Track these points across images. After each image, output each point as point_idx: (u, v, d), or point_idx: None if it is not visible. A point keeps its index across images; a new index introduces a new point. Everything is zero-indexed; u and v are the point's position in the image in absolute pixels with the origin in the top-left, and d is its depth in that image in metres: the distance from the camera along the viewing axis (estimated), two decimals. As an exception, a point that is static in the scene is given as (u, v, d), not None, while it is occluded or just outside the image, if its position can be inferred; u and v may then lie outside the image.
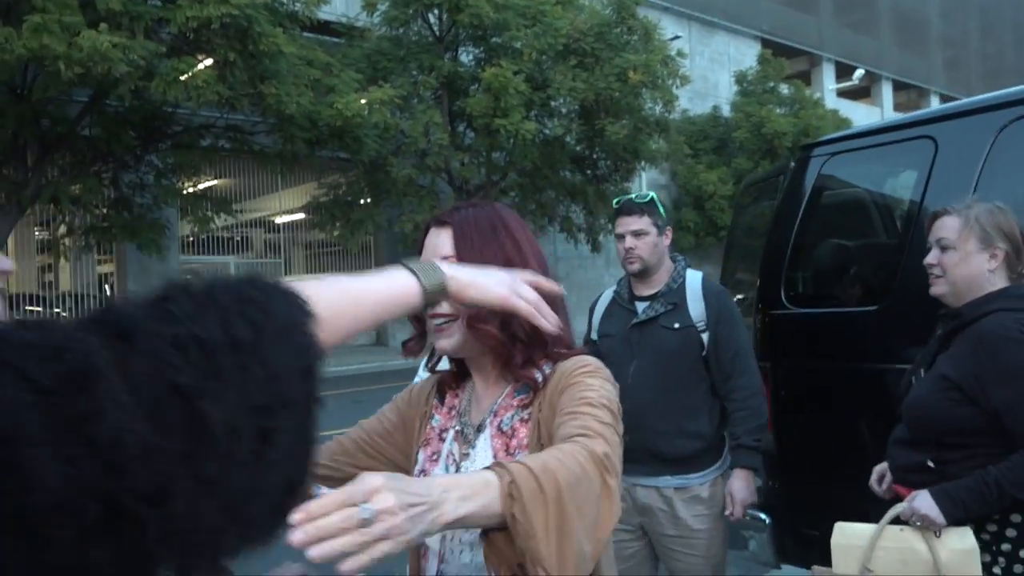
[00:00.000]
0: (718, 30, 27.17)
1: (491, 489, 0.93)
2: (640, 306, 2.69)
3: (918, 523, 1.89)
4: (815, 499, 2.98)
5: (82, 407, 0.54)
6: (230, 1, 10.00)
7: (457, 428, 1.32)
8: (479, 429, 1.29)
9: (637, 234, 2.63)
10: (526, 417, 1.25)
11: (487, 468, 0.97)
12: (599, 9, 16.29)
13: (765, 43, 27.99)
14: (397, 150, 14.89)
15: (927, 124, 2.79)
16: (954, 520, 1.88)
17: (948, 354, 2.03)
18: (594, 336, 2.86)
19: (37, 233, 15.32)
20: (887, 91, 34.31)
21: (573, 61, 15.25)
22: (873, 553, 1.92)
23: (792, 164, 3.24)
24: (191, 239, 16.40)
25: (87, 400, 0.54)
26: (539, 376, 1.24)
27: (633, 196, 2.72)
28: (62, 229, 13.15)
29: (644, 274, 2.67)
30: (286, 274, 18.43)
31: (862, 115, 31.08)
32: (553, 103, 15.99)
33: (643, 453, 2.55)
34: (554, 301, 1.20)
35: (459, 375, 1.37)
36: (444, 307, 1.20)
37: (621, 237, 2.66)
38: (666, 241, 2.69)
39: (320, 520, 0.75)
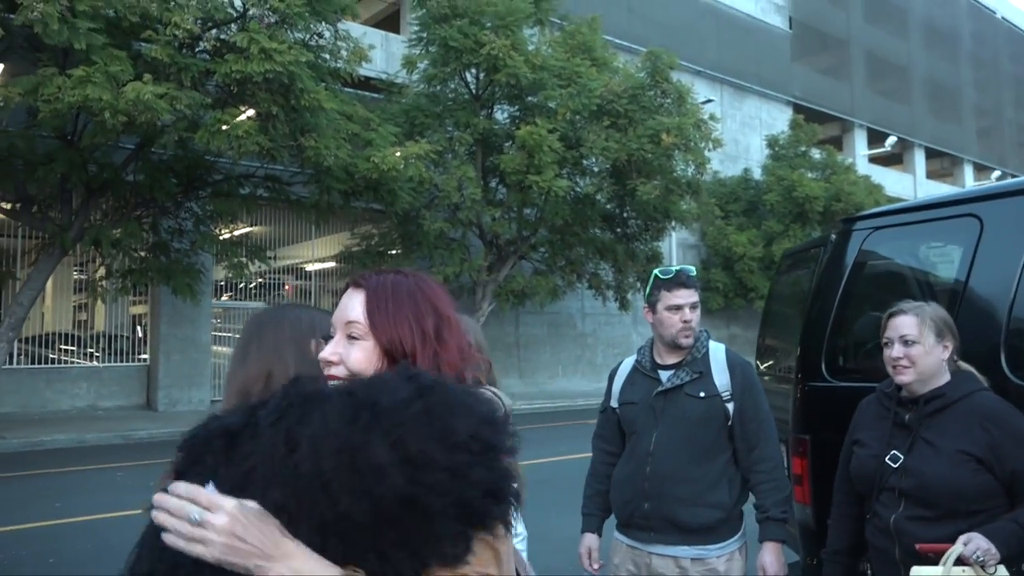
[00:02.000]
0: (750, 94, 27.44)
1: None
2: (664, 374, 2.70)
3: (980, 557, 2.02)
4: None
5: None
6: (274, 58, 10.32)
7: None
8: None
9: (695, 307, 2.67)
10: None
11: (347, 571, 0.97)
12: (633, 72, 16.56)
13: (797, 108, 28.19)
14: (430, 203, 15.10)
15: (973, 203, 2.78)
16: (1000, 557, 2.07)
17: (946, 432, 2.24)
18: (614, 404, 2.86)
19: (75, 274, 15.63)
20: (920, 158, 34.27)
21: (607, 122, 15.46)
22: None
23: (832, 236, 3.24)
24: (223, 283, 16.63)
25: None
26: None
27: (680, 268, 2.74)
28: (100, 271, 13.43)
29: (680, 346, 2.69)
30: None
31: (894, 181, 31.03)
32: (585, 162, 16.17)
33: (662, 521, 2.57)
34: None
35: None
36: (339, 369, 1.20)
37: (678, 308, 2.65)
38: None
39: (170, 497, 0.96)
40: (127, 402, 15.24)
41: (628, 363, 2.89)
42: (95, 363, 15.40)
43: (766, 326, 4.59)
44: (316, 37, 12.29)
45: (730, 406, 2.62)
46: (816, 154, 24.57)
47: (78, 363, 15.40)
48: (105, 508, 7.23)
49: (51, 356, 15.15)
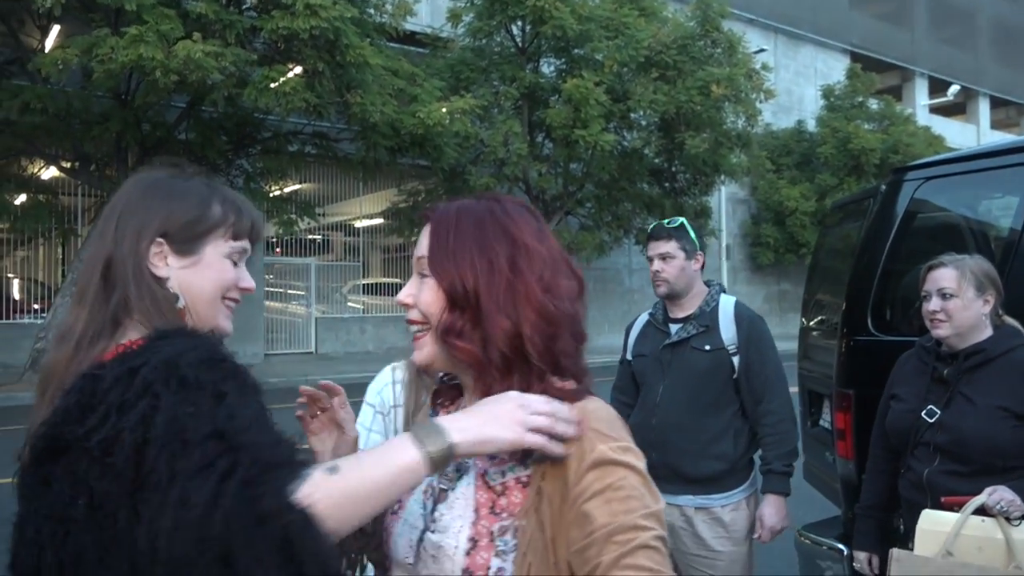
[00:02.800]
0: (805, 43, 26.55)
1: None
2: (673, 328, 2.75)
3: (1004, 508, 2.00)
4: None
5: None
6: (320, 14, 10.32)
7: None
8: (460, 469, 1.08)
9: (664, 257, 2.69)
10: (524, 480, 1.02)
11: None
12: (683, 22, 16.14)
13: (854, 56, 27.19)
14: (476, 159, 15.06)
15: (1030, 150, 2.68)
16: None
17: (985, 388, 2.21)
18: (628, 356, 2.92)
19: (133, 231, 16.06)
20: (984, 108, 32.88)
21: (655, 73, 15.15)
22: (955, 539, 2.04)
23: (883, 187, 3.15)
24: (274, 239, 16.93)
25: None
26: None
27: (664, 221, 2.79)
28: (156, 228, 13.76)
29: (674, 297, 2.74)
30: (364, 276, 18.86)
31: (956, 132, 29.83)
32: (633, 115, 15.91)
33: (666, 471, 2.58)
34: (573, 324, 1.06)
35: (457, 388, 1.18)
36: (414, 312, 1.08)
37: (650, 260, 2.74)
38: (695, 265, 2.73)
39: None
40: (185, 355, 15.72)
41: (644, 317, 2.96)
42: (154, 317, 15.88)
43: (813, 281, 4.51)
44: (361, -8, 12.25)
45: (736, 359, 2.64)
46: (874, 104, 23.76)
47: (138, 317, 15.91)
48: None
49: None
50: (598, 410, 1.04)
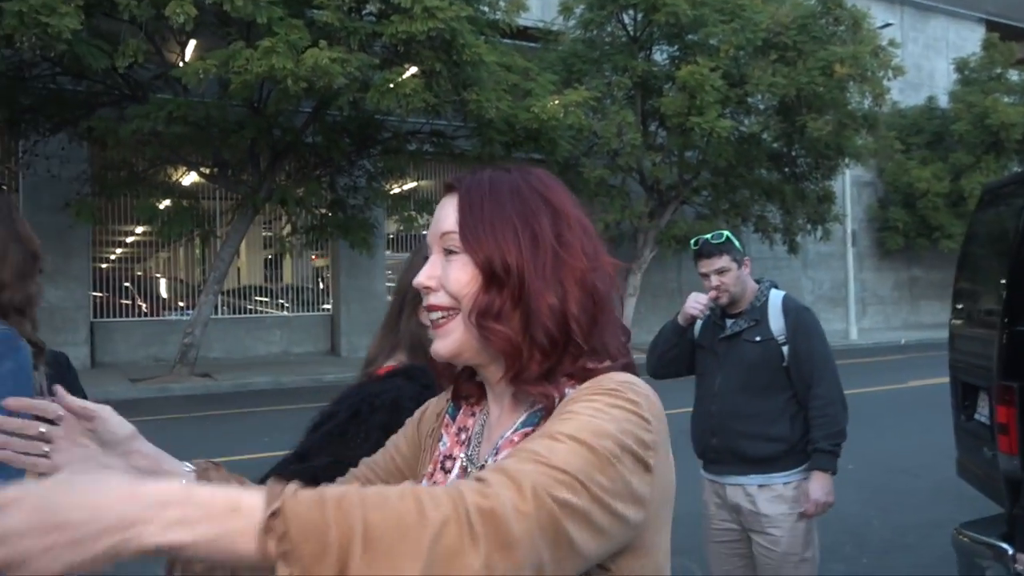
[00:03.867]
0: (935, 14, 25.02)
1: (237, 518, 0.64)
2: (728, 322, 2.98)
3: None
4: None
5: None
6: (437, 15, 10.60)
7: (463, 462, 0.99)
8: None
9: (720, 272, 2.90)
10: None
11: (260, 486, 0.70)
12: (802, 0, 15.56)
13: (991, 25, 25.41)
14: (589, 150, 15.06)
15: None
16: None
17: None
18: (694, 336, 3.11)
19: (264, 231, 16.97)
20: None
21: (773, 56, 14.70)
22: None
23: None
24: (394, 236, 17.49)
25: None
26: (556, 396, 0.90)
27: (708, 237, 2.98)
28: (287, 228, 14.52)
29: (734, 304, 2.95)
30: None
31: (1110, 102, 27.39)
32: (750, 100, 15.50)
33: (729, 454, 2.89)
34: (604, 300, 0.95)
35: (482, 385, 1.03)
36: (440, 296, 0.95)
37: (706, 276, 2.92)
38: (746, 270, 2.95)
39: None
40: (314, 348, 16.51)
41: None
42: (285, 313, 16.77)
43: (963, 268, 4.31)
44: (476, -10, 12.49)
45: (785, 349, 2.87)
46: (1014, 76, 22.15)
47: (271, 313, 16.84)
48: (305, 444, 7.96)
49: (248, 307, 16.66)
50: (633, 382, 0.88)
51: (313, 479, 0.76)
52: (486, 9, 12.73)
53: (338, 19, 10.69)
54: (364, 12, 11.74)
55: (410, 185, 16.25)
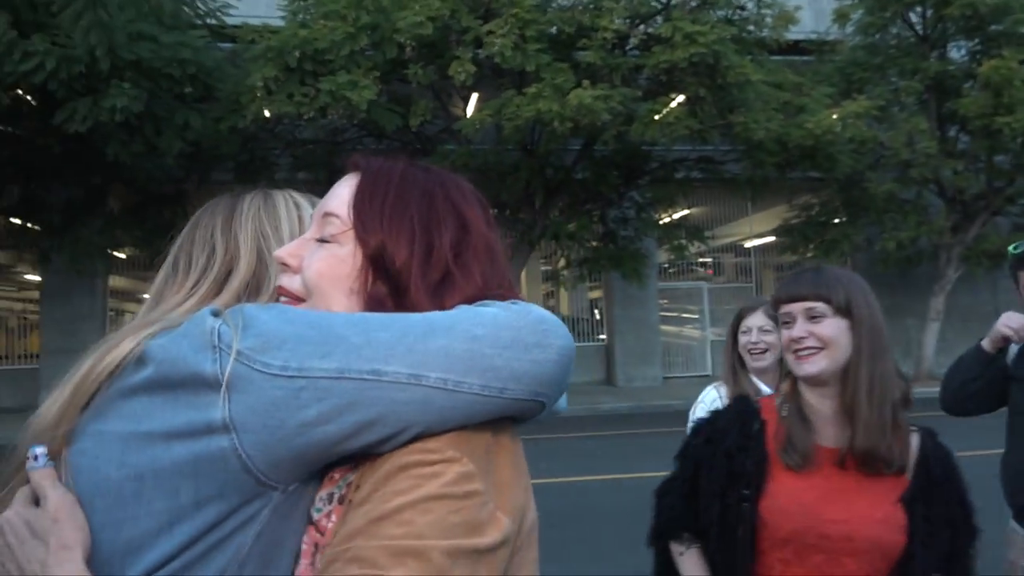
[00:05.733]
0: None
1: None
2: None
3: None
4: None
5: None
6: (698, 40, 10.54)
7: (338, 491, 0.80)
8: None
9: None
10: (342, 494, 0.78)
11: None
12: None
13: None
14: (875, 164, 13.90)
15: None
16: None
17: None
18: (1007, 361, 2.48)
19: (541, 265, 17.83)
20: None
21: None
22: None
23: None
24: (667, 265, 17.45)
25: None
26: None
27: None
28: (561, 262, 15.16)
29: None
30: (757, 293, 18.40)
31: None
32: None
33: None
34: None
35: None
36: (293, 280, 0.89)
37: None
38: None
39: None
40: (590, 378, 16.91)
41: None
42: (562, 344, 17.38)
43: None
44: (738, 11, 12.23)
45: None
46: None
47: (549, 344, 17.56)
48: (580, 471, 8.20)
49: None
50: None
51: None
52: (752, 28, 12.39)
53: (600, 58, 11.06)
54: (626, 47, 12.02)
55: (680, 213, 16.16)
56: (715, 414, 1.82)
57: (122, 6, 9.43)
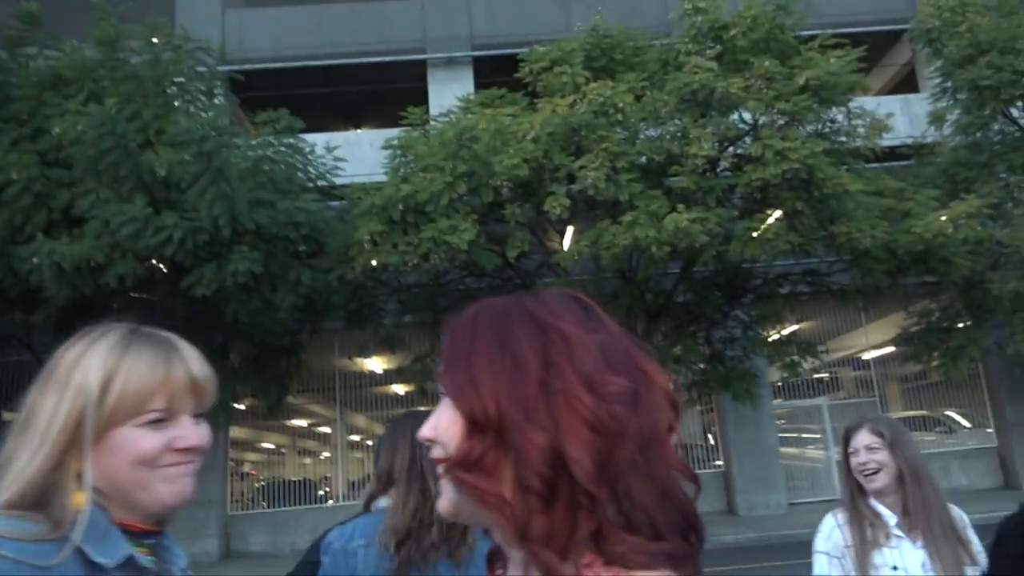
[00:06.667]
0: None
1: None
2: None
3: None
4: None
5: None
6: (790, 156, 10.53)
7: None
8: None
9: None
10: None
11: None
12: None
13: None
14: (995, 263, 13.21)
15: None
16: None
17: None
18: None
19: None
20: None
21: None
22: None
23: None
24: (780, 384, 16.76)
25: None
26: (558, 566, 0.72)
27: None
28: (669, 387, 14.79)
29: None
30: (883, 411, 17.35)
31: None
32: None
33: None
34: (626, 440, 0.75)
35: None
36: (437, 449, 0.81)
37: None
38: None
39: None
40: (709, 507, 16.07)
41: None
42: (677, 472, 16.72)
43: None
44: (828, 124, 12.23)
45: None
46: None
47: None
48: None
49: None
50: None
51: None
52: (844, 139, 12.31)
53: (694, 182, 11.17)
54: (718, 169, 12.12)
55: (789, 329, 15.66)
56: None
57: (242, 177, 10.28)
